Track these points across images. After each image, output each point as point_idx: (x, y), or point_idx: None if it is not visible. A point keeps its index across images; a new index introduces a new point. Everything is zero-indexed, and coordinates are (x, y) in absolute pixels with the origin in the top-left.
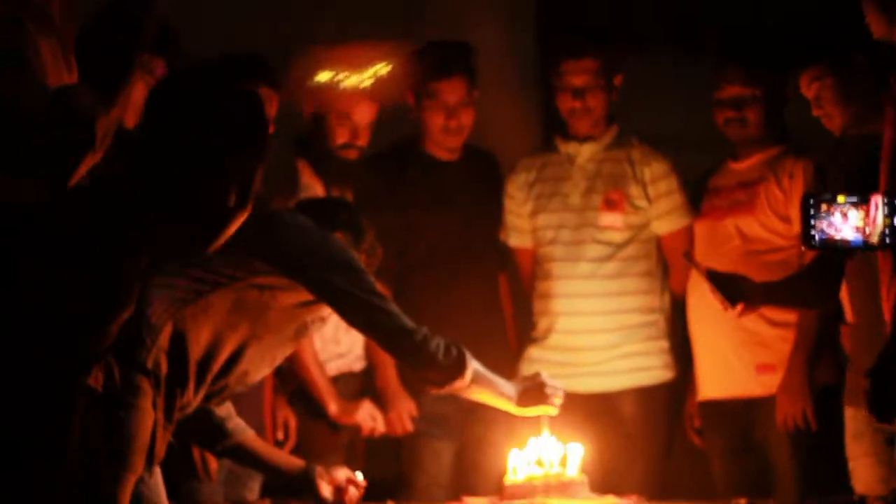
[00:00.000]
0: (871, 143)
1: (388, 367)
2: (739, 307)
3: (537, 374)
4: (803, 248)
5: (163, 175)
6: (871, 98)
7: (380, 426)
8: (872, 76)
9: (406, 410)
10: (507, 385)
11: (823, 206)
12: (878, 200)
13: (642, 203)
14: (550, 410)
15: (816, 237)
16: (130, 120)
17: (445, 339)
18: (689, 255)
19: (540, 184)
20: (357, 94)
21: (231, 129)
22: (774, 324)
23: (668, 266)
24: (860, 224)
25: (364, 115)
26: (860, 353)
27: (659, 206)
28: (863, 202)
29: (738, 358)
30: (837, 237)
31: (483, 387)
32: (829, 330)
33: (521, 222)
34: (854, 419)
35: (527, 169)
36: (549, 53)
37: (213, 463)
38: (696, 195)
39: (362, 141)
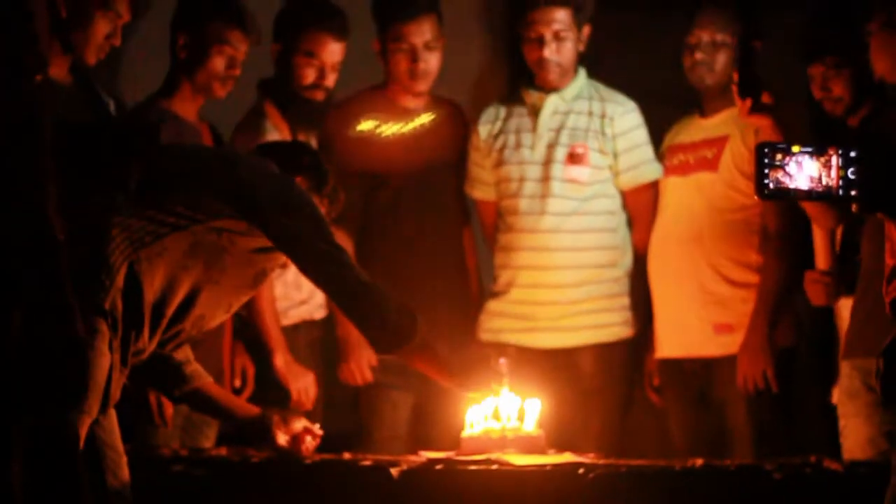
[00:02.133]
0: None
1: None
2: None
3: (491, 359)
4: (756, 197)
5: None
6: None
7: (307, 404)
8: None
9: (366, 360)
10: (453, 362)
11: (778, 156)
12: (835, 151)
13: (608, 157)
14: (491, 395)
15: (770, 185)
16: (91, 57)
17: (400, 302)
18: None
19: (504, 135)
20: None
21: None
22: (734, 284)
23: (631, 222)
24: (815, 174)
25: (331, 54)
26: (864, 312)
27: (624, 160)
28: (819, 153)
29: (696, 317)
30: (791, 186)
31: (428, 358)
32: (790, 291)
33: (484, 174)
34: (849, 377)
35: (492, 120)
36: (517, 2)
37: (169, 408)
38: (663, 151)
39: (329, 81)
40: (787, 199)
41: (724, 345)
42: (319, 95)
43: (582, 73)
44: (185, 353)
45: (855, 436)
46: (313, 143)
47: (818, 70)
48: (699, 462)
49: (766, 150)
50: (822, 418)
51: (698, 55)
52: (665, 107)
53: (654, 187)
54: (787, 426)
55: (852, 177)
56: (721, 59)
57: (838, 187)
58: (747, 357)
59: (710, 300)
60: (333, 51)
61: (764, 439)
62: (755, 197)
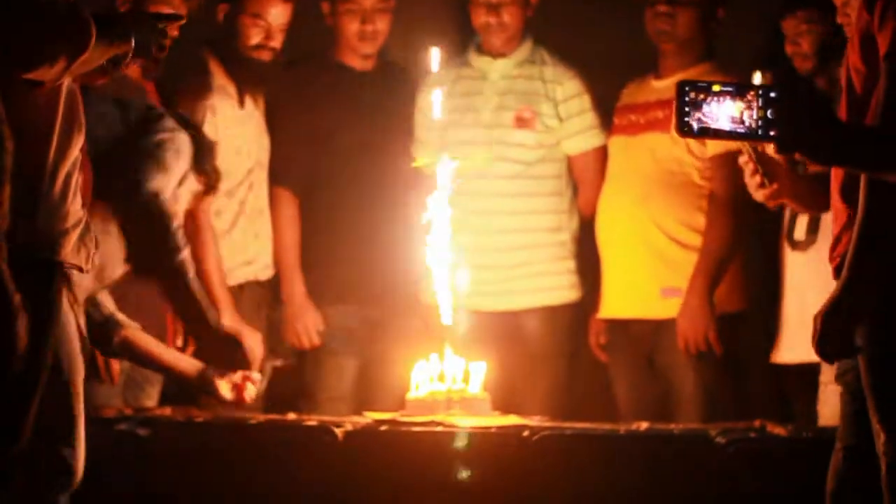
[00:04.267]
0: None
1: (296, 277)
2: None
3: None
4: (677, 134)
5: None
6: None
7: (254, 364)
8: None
9: (313, 324)
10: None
11: (700, 95)
12: (755, 91)
13: (553, 122)
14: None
15: (693, 125)
16: None
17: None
18: None
19: (452, 99)
20: None
21: None
22: (683, 246)
23: (577, 186)
24: (736, 114)
25: (278, 15)
26: None
27: (570, 125)
28: (740, 93)
29: (644, 279)
30: (713, 127)
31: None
32: (734, 254)
33: (431, 137)
34: None
35: (439, 83)
36: None
37: (115, 364)
38: (614, 112)
39: (276, 42)
40: (708, 138)
41: (672, 308)
42: (266, 56)
43: (529, 38)
44: (111, 303)
45: (834, 401)
46: (261, 102)
47: (790, 24)
48: (644, 426)
49: (686, 88)
50: (769, 383)
51: (661, 7)
52: (613, 73)
53: (600, 152)
54: (733, 390)
55: (771, 117)
56: (684, 14)
57: (757, 127)
58: (687, 319)
59: (658, 262)
60: (280, 12)
61: (710, 403)
62: (707, 162)
